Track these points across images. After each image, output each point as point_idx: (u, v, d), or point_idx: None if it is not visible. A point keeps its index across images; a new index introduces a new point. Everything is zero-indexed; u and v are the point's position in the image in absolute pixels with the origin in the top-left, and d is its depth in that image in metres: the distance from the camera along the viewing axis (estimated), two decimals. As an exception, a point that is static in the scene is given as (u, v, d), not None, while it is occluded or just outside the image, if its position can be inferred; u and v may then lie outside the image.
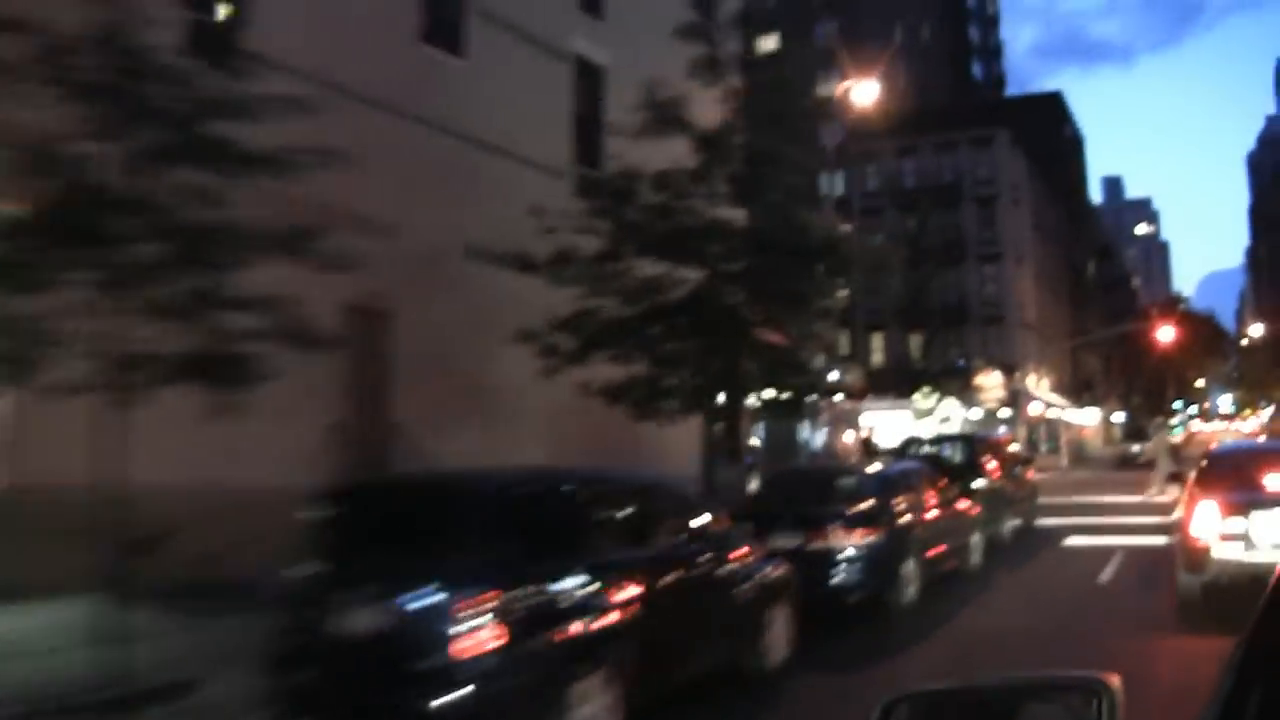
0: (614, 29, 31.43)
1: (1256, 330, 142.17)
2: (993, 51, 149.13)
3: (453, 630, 9.07)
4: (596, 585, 10.42)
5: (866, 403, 77.73)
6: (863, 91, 46.24)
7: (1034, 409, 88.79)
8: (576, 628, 10.02)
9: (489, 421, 25.40)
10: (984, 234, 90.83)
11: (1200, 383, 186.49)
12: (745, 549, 14.00)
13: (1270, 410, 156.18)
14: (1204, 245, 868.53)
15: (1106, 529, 29.68)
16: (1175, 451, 44.94)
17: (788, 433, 34.44)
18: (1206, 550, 15.99)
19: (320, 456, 20.63)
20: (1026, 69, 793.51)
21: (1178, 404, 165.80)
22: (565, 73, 30.54)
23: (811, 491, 19.77)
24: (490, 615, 9.12)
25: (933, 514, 20.33)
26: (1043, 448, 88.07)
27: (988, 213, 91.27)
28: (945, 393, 77.42)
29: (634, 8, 31.37)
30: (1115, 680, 3.07)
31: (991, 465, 28.08)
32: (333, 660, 9.74)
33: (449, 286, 25.06)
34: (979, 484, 26.47)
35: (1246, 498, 16.12)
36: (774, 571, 14.28)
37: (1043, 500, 36.36)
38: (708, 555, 12.86)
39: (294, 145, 14.04)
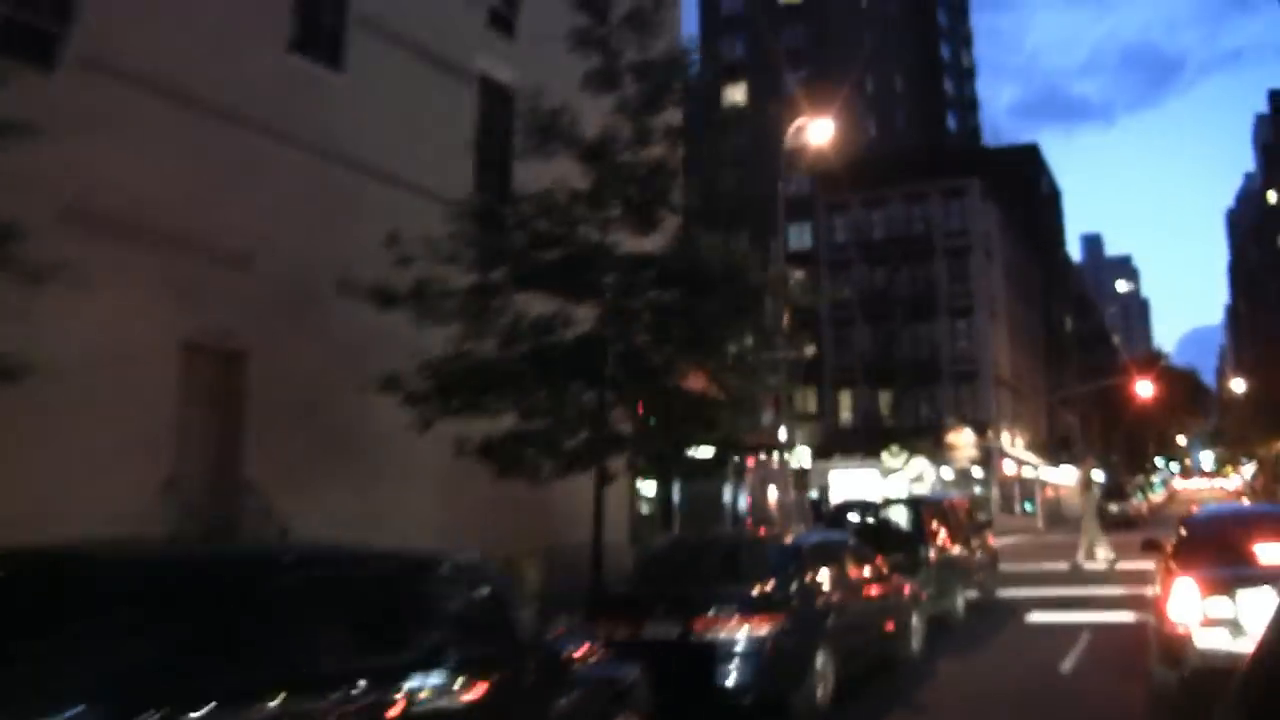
0: (527, 49, 28.24)
1: (1238, 386, 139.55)
2: (968, 104, 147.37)
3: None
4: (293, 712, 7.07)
5: (832, 462, 75.33)
6: (819, 130, 43.33)
7: (1008, 468, 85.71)
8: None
9: (367, 480, 22.36)
10: (956, 287, 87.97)
11: (1181, 440, 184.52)
12: (580, 650, 10.73)
13: (1253, 467, 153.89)
14: (1184, 302, 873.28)
15: (1075, 602, 26.39)
16: (1104, 514, 41.68)
17: (712, 494, 31.02)
18: (1186, 638, 12.83)
19: (153, 516, 17.48)
20: (1007, 127, 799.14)
21: (1159, 461, 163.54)
22: (468, 94, 27.42)
23: (705, 568, 16.39)
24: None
25: (859, 592, 17.02)
26: (1017, 508, 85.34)
27: (960, 265, 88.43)
28: (915, 451, 74.50)
29: (550, 27, 28.08)
30: None
31: (943, 532, 24.54)
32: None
33: (320, 325, 22.07)
34: (927, 554, 23.09)
35: (1233, 574, 12.93)
36: (616, 680, 10.98)
37: (1009, 568, 33.79)
38: (502, 666, 9.43)
39: None
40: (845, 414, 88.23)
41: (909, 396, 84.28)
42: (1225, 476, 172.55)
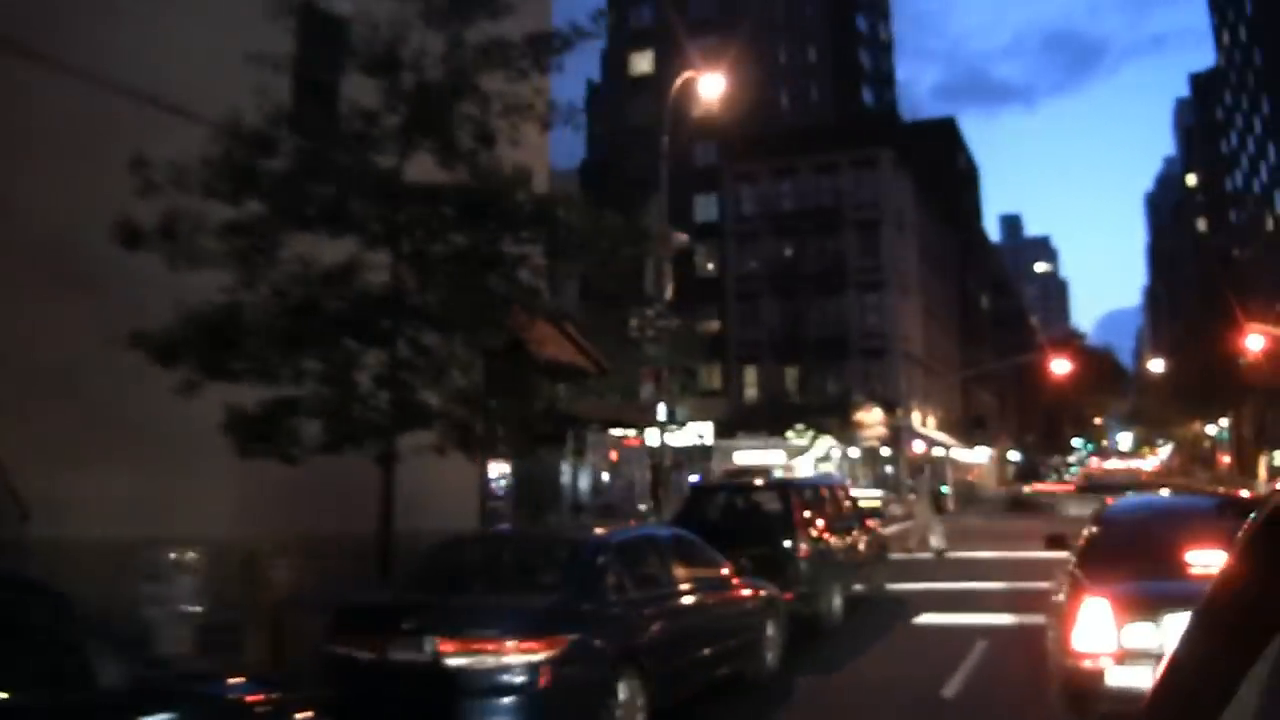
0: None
1: (1156, 367, 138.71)
2: (885, 79, 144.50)
3: None
4: None
5: (737, 440, 72.57)
6: (710, 86, 40.00)
7: (918, 448, 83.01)
8: None
9: (144, 458, 18.73)
10: (866, 261, 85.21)
11: (1098, 421, 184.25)
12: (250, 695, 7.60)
13: (1169, 448, 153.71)
14: (1103, 285, 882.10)
15: (973, 599, 23.23)
16: (939, 501, 38.94)
17: (550, 475, 27.37)
18: (1098, 675, 9.62)
19: None
20: (929, 109, 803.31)
21: (1076, 441, 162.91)
22: (285, 19, 23.65)
23: (486, 571, 13.02)
24: None
25: (689, 601, 13.66)
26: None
27: (870, 238, 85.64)
28: (822, 430, 71.54)
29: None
30: None
31: (818, 520, 21.08)
32: None
33: (86, 275, 18.25)
34: (796, 546, 19.71)
35: (1158, 590, 9.63)
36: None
37: (910, 556, 31.80)
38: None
39: None
40: (751, 390, 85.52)
41: (817, 373, 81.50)
42: (1143, 457, 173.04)
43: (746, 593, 15.44)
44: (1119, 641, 9.54)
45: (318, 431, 16.15)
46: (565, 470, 26.28)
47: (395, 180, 16.43)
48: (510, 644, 10.42)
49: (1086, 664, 9.72)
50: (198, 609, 13.79)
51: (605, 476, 29.75)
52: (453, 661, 10.49)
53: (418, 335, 16.54)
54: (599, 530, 15.05)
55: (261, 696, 8.28)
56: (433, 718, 10.59)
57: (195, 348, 15.41)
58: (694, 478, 51.08)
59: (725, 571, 15.01)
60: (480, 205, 16.21)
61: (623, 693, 11.34)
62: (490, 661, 10.41)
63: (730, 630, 14.54)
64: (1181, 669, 2.37)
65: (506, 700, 10.44)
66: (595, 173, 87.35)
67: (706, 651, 13.67)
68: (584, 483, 25.63)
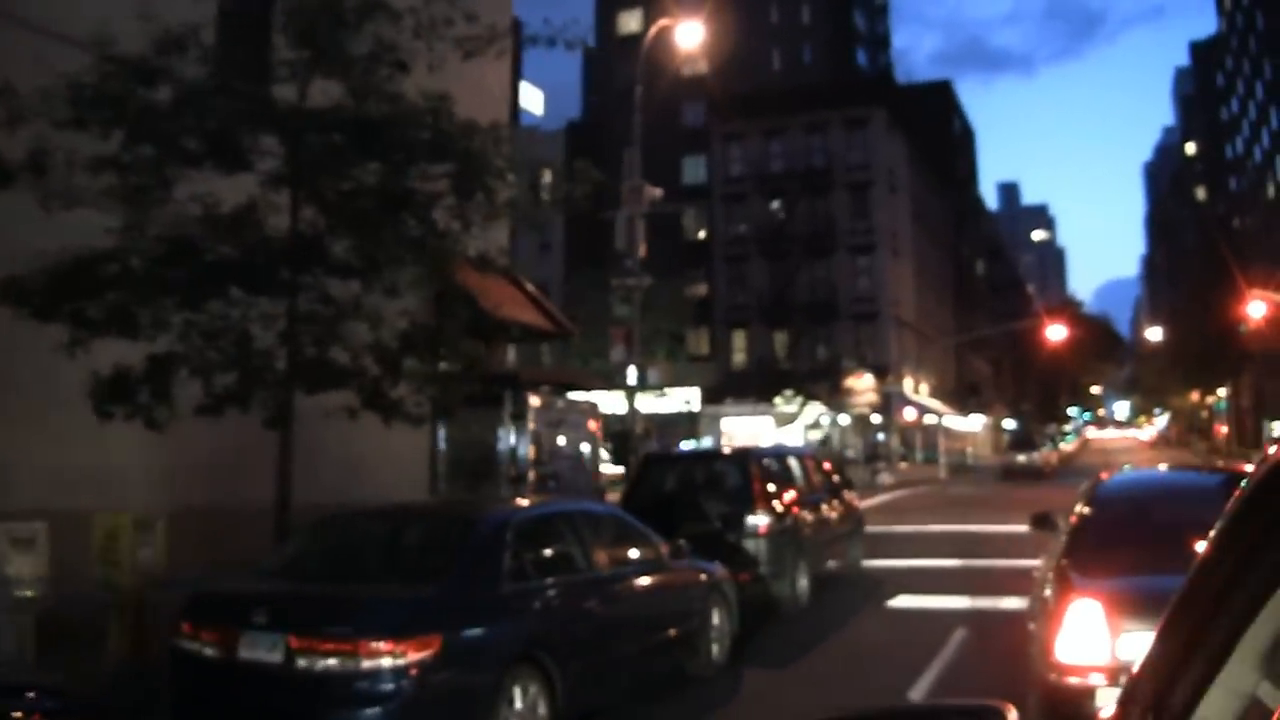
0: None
1: (1154, 335, 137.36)
2: (879, 41, 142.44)
3: None
4: None
5: (724, 406, 71.41)
6: (687, 34, 38.46)
7: (909, 415, 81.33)
8: None
9: (53, 417, 16.89)
10: (857, 223, 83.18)
11: (1096, 390, 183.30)
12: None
13: (1166, 418, 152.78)
14: (1101, 254, 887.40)
15: (955, 578, 21.44)
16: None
17: (486, 441, 25.28)
18: (1087, 694, 7.89)
19: None
20: (927, 76, 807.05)
21: (1072, 410, 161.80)
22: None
23: (365, 554, 11.16)
24: None
25: (611, 588, 11.80)
26: (918, 456, 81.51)
27: (861, 200, 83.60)
28: (811, 396, 69.87)
29: None
30: (1011, 712, 2.41)
31: (783, 494, 19.10)
32: None
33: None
34: (756, 523, 17.78)
35: (1162, 589, 7.69)
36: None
37: (891, 528, 30.20)
38: None
39: None
40: (739, 355, 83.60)
41: (806, 338, 79.58)
42: (1139, 427, 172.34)
43: (687, 577, 13.60)
44: (1113, 652, 7.73)
45: (197, 392, 14.31)
46: (502, 436, 24.31)
47: (276, 107, 14.54)
48: (374, 643, 8.61)
49: (1072, 680, 7.91)
50: (39, 594, 11.88)
51: (584, 446, 27.68)
52: (305, 663, 8.71)
53: (319, 284, 14.67)
54: (503, 506, 13.24)
55: (38, 717, 6.56)
56: (282, 732, 8.82)
57: (32, 297, 13.55)
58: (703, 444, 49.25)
59: (661, 553, 13.13)
60: (374, 133, 14.27)
61: (518, 699, 9.51)
62: (348, 664, 8.62)
63: (666, 620, 12.69)
64: (1167, 647, 2.14)
65: (367, 711, 8.65)
66: (583, 134, 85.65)
67: (634, 646, 11.84)
68: (523, 450, 23.66)
